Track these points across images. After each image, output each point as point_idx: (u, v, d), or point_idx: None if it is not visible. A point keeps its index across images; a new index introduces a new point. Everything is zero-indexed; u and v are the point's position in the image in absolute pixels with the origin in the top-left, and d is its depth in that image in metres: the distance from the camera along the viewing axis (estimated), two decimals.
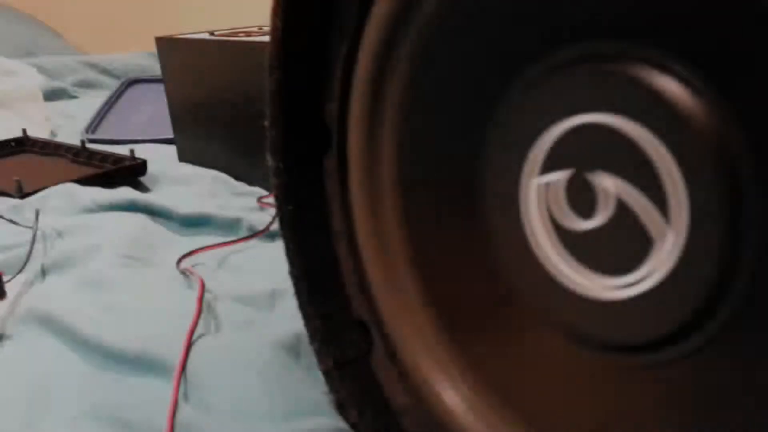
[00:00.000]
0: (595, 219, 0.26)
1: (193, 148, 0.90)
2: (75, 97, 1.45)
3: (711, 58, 0.21)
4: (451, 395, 0.31)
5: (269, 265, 0.58)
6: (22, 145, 0.99)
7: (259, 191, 0.77)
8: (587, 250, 0.26)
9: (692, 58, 0.22)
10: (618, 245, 0.25)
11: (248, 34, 0.85)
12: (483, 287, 0.32)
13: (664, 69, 0.22)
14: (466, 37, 0.29)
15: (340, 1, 0.33)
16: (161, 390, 0.39)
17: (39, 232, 0.64)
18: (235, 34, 0.85)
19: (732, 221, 0.21)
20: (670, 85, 0.22)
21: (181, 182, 0.82)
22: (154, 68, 1.46)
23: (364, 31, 0.32)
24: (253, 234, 0.65)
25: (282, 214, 0.38)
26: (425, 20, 0.29)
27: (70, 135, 1.09)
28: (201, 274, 0.54)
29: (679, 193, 0.23)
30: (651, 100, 0.23)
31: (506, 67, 0.28)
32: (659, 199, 0.23)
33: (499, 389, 0.30)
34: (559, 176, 0.27)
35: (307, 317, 0.39)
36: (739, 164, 0.21)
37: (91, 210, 0.71)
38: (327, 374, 0.38)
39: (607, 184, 0.25)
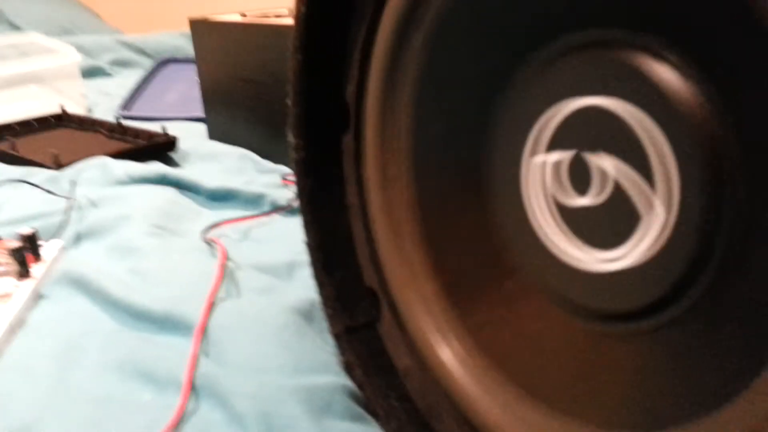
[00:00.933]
0: (591, 196, 0.28)
1: (223, 127, 0.93)
2: (110, 75, 1.49)
3: (703, 48, 0.22)
4: (451, 359, 0.34)
5: (290, 238, 0.60)
6: (61, 120, 1.03)
7: (284, 169, 0.79)
8: (582, 225, 0.28)
9: (686, 48, 0.23)
10: (611, 221, 0.27)
11: (279, 16, 0.88)
12: (486, 260, 0.34)
13: (661, 57, 0.24)
14: (476, 23, 0.31)
15: None
16: (183, 347, 0.42)
17: (74, 202, 0.67)
18: (266, 16, 0.88)
19: (715, 201, 0.23)
20: (665, 73, 0.24)
21: (210, 159, 0.85)
22: (187, 48, 1.49)
23: (381, 17, 0.34)
24: (276, 209, 0.68)
25: (300, 188, 0.41)
26: (438, 8, 0.31)
27: (106, 111, 1.13)
28: (224, 245, 0.57)
29: (669, 173, 0.24)
30: (647, 85, 0.24)
31: (513, 52, 0.30)
32: (651, 180, 0.25)
33: (495, 354, 0.32)
34: (560, 155, 0.29)
35: (320, 285, 0.41)
36: (724, 148, 0.22)
37: (123, 182, 0.74)
38: (337, 337, 0.40)
39: (604, 164, 0.27)
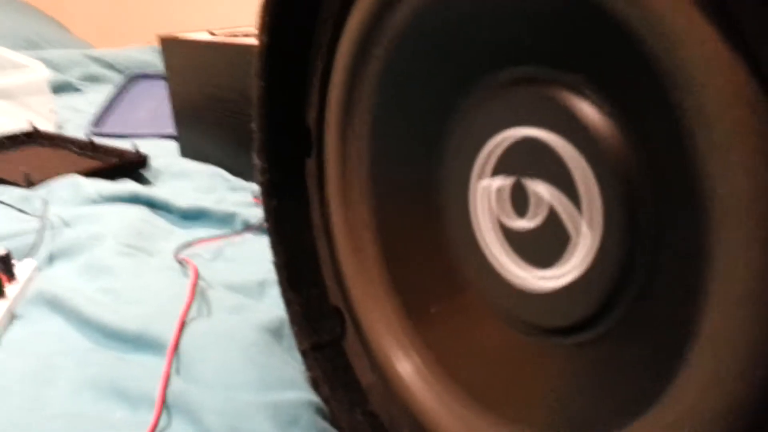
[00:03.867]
0: (530, 219, 0.30)
1: (194, 144, 0.94)
2: (80, 90, 1.49)
3: (616, 88, 0.25)
4: (409, 373, 0.36)
5: (261, 257, 0.61)
6: (31, 137, 1.03)
7: (255, 187, 0.80)
8: (523, 246, 0.31)
9: (603, 86, 0.26)
10: (547, 242, 0.29)
11: (247, 35, 0.89)
12: (440, 278, 0.36)
13: (583, 94, 0.26)
14: (424, 58, 0.33)
15: (317, 22, 0.38)
16: (156, 365, 0.44)
17: (46, 221, 0.68)
18: (235, 35, 0.89)
19: (632, 222, 0.25)
20: (586, 108, 0.26)
21: (182, 177, 0.86)
22: (157, 63, 1.50)
23: (337, 48, 0.36)
24: (247, 228, 0.69)
25: (267, 209, 0.42)
26: (389, 43, 0.33)
27: (76, 128, 1.13)
28: (196, 264, 0.58)
29: (594, 199, 0.27)
30: (571, 119, 0.27)
31: (457, 85, 0.32)
32: (578, 204, 0.27)
33: (449, 367, 0.35)
34: (502, 181, 0.31)
35: (288, 303, 0.43)
36: (638, 174, 0.25)
37: (95, 201, 0.75)
38: (304, 354, 0.42)
39: (540, 189, 0.29)
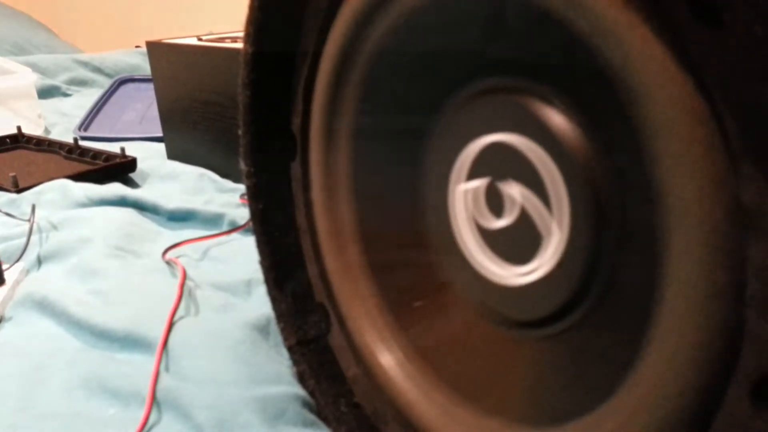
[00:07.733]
0: (504, 219, 0.32)
1: (181, 146, 0.95)
2: (68, 94, 1.49)
3: (582, 98, 0.27)
4: (392, 365, 0.37)
5: (248, 256, 0.63)
6: (17, 141, 1.03)
7: (242, 188, 0.82)
8: (499, 244, 0.32)
9: (570, 96, 0.27)
10: (521, 240, 0.31)
11: (234, 40, 0.90)
12: (421, 277, 0.37)
13: (551, 103, 0.28)
14: (403, 69, 0.34)
15: (302, 31, 0.39)
16: (145, 363, 0.45)
17: (35, 225, 0.69)
18: (222, 40, 0.90)
19: (598, 222, 0.27)
20: (555, 116, 0.28)
21: (169, 179, 0.87)
22: (144, 67, 1.50)
23: (321, 58, 0.38)
24: (234, 228, 0.70)
25: (253, 212, 0.44)
26: (370, 53, 0.35)
27: (64, 132, 1.14)
28: (184, 264, 0.59)
29: (561, 198, 0.28)
30: (541, 126, 0.28)
31: (434, 94, 0.34)
32: (548, 204, 0.29)
33: (431, 361, 0.36)
34: (478, 183, 0.33)
35: (274, 301, 0.44)
36: (602, 177, 0.27)
37: (83, 204, 0.76)
38: (290, 350, 0.43)
39: (512, 191, 0.31)
